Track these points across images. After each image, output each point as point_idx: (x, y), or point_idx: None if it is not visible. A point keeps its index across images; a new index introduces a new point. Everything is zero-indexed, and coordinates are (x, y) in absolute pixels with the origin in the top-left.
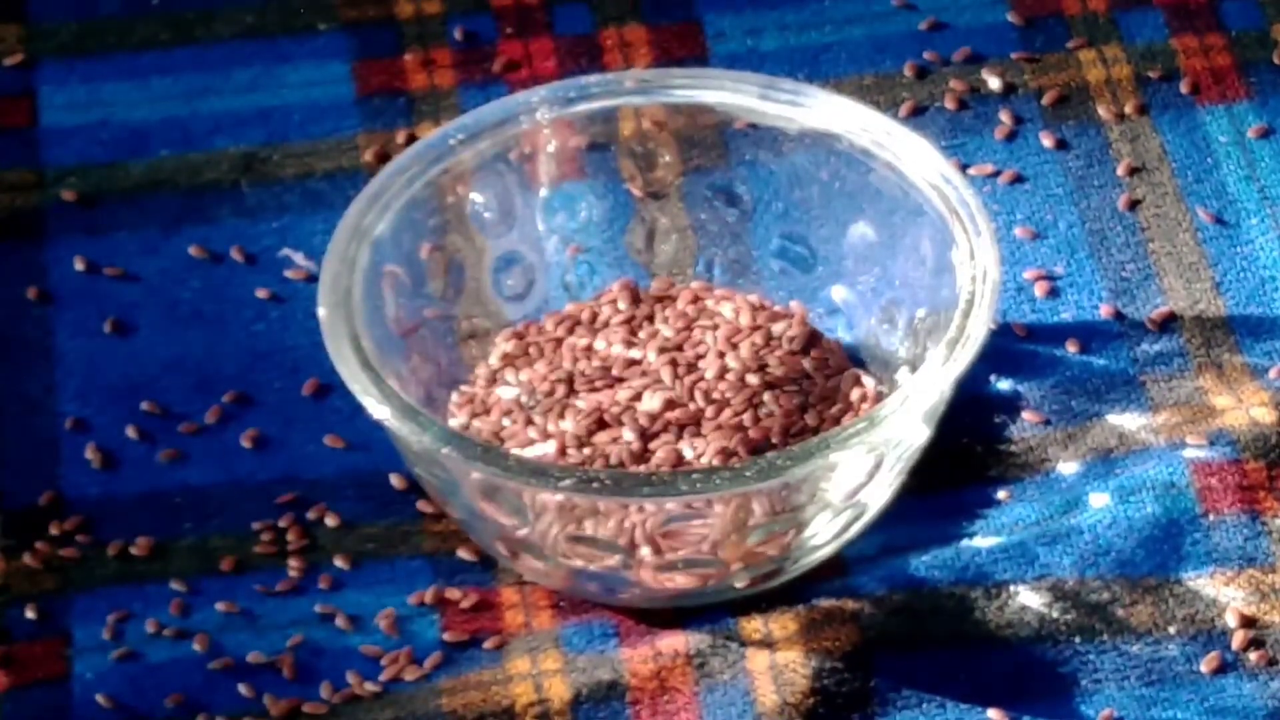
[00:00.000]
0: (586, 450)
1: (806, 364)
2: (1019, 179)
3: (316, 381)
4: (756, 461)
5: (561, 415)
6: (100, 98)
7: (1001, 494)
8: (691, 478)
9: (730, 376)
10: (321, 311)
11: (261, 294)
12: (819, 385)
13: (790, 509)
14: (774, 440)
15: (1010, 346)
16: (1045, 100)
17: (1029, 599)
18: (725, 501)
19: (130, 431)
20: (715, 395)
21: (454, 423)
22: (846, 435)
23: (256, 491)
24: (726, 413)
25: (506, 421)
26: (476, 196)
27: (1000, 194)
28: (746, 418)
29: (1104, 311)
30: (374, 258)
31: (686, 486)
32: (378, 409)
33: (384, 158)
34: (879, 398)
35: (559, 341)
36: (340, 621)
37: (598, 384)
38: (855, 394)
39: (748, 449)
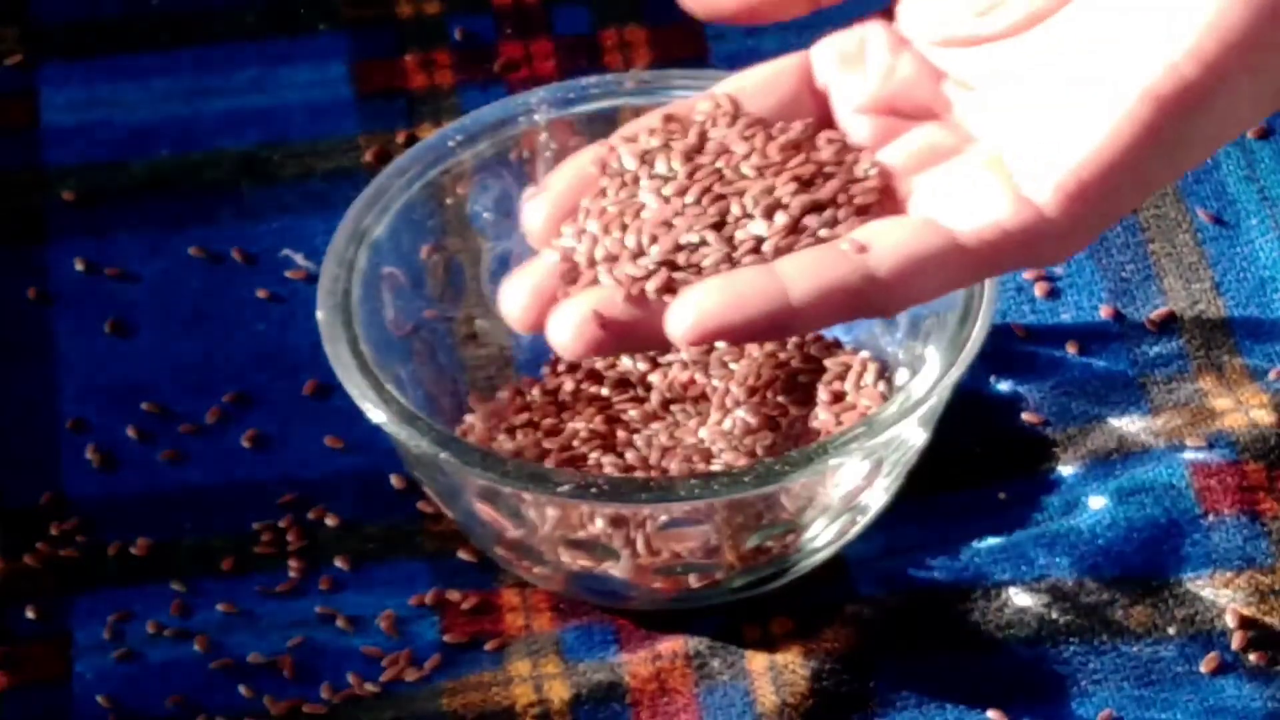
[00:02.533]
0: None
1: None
2: None
3: (316, 382)
4: (754, 467)
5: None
6: (100, 98)
7: (1001, 495)
8: (690, 483)
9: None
10: (320, 314)
11: (261, 294)
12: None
13: (789, 512)
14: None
15: (1010, 347)
16: None
17: (1028, 600)
18: (723, 506)
19: (130, 431)
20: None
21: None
22: (845, 441)
23: (256, 491)
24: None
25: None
26: (476, 198)
27: None
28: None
29: (1104, 312)
30: (373, 260)
31: (685, 492)
32: (376, 413)
33: (384, 158)
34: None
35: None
36: (340, 622)
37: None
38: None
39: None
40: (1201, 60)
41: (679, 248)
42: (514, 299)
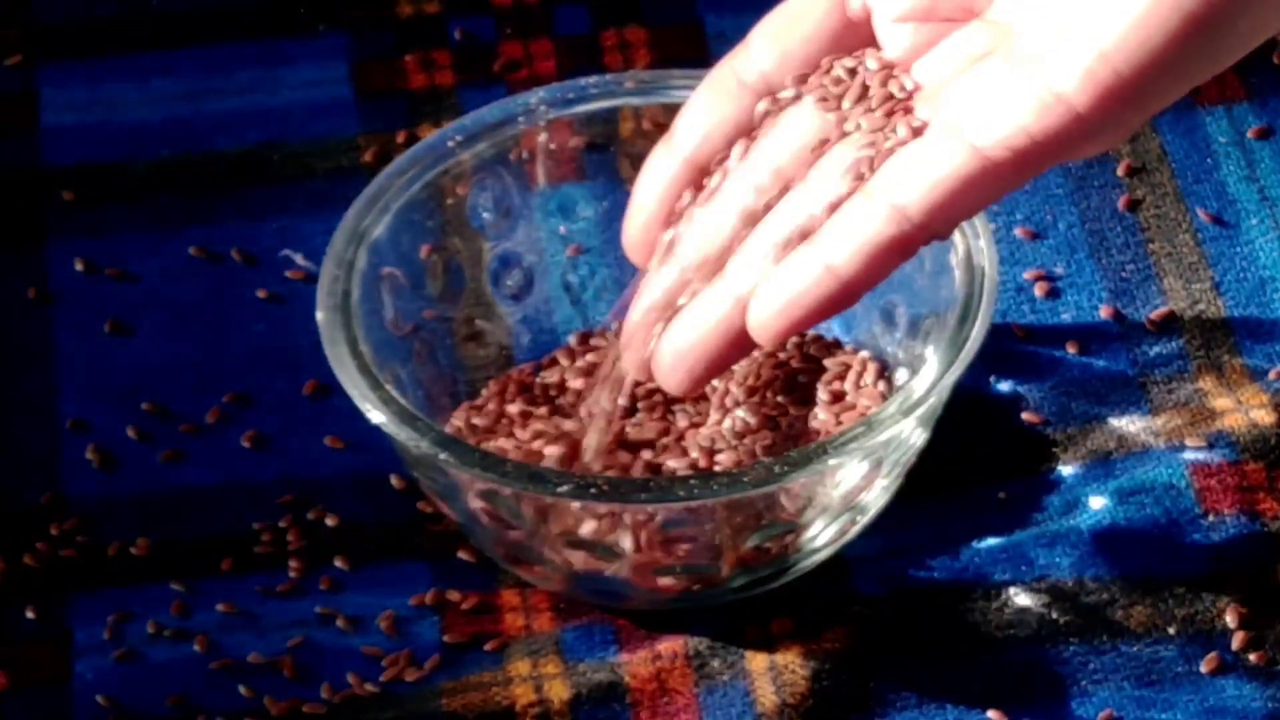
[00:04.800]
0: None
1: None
2: None
3: (316, 381)
4: (754, 467)
5: None
6: (100, 98)
7: (1001, 495)
8: (689, 483)
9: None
10: (320, 315)
11: (261, 294)
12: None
13: (789, 513)
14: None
15: (1010, 347)
16: None
17: (1028, 600)
18: (723, 506)
19: (130, 431)
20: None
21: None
22: (844, 440)
23: (256, 492)
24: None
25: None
26: (476, 198)
27: None
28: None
29: (1104, 312)
30: (372, 260)
31: (684, 492)
32: (376, 414)
33: (384, 158)
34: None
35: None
36: (340, 622)
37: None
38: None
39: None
40: None
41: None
42: (637, 350)
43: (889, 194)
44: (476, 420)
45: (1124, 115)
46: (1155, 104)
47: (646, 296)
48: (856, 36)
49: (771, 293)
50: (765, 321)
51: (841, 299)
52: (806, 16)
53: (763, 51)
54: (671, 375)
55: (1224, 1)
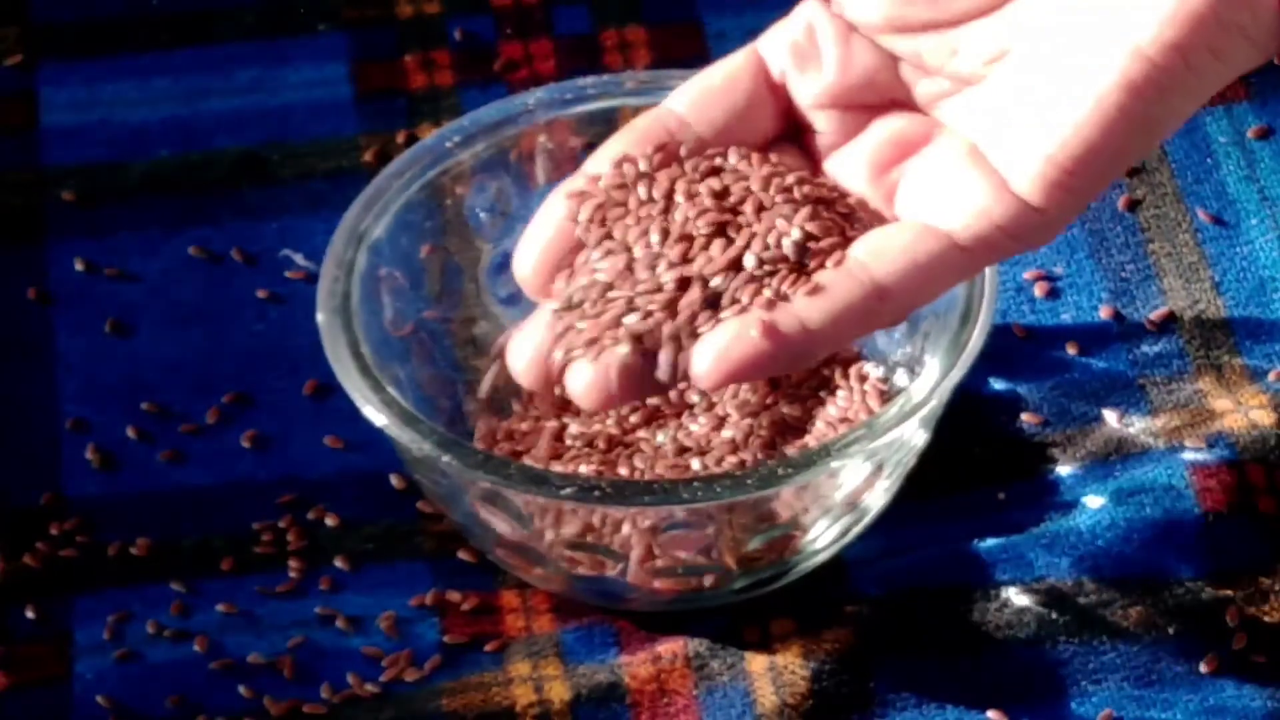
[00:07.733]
0: None
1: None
2: None
3: (316, 381)
4: (757, 470)
5: None
6: (100, 98)
7: (1000, 496)
8: (693, 486)
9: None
10: (320, 317)
11: (261, 294)
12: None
13: (790, 515)
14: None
15: (1010, 347)
16: None
17: (1027, 600)
18: (725, 508)
19: (130, 431)
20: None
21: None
22: (846, 443)
23: (256, 491)
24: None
25: None
26: (474, 198)
27: None
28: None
29: (1103, 312)
30: (372, 261)
31: (688, 495)
32: (378, 416)
33: (384, 158)
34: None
35: None
36: (341, 623)
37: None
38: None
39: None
40: (1169, 45)
41: (670, 305)
42: (520, 360)
43: (870, 270)
44: (516, 429)
45: (1074, 205)
46: (1099, 190)
47: (541, 327)
48: (779, 104)
49: (730, 333)
50: (716, 360)
51: (800, 354)
52: (731, 89)
53: (690, 118)
54: (589, 398)
55: (1152, 99)
